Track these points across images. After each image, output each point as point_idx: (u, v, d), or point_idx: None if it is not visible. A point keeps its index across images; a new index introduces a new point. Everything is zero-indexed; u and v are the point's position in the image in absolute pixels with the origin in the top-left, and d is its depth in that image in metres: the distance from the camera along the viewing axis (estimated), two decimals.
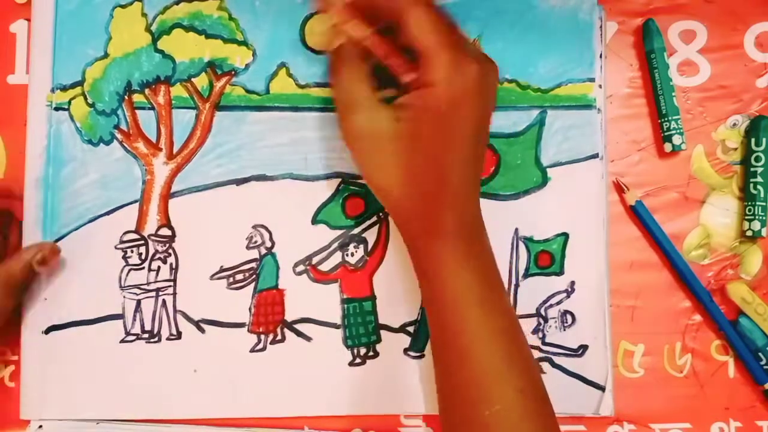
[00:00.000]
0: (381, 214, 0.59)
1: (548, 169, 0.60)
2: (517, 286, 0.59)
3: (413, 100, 0.49)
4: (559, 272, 0.59)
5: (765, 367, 0.59)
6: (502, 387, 0.48)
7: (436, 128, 0.49)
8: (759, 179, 0.60)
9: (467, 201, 0.51)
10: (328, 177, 0.59)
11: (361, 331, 0.58)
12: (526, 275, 0.59)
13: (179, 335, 0.58)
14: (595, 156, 0.60)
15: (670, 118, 0.60)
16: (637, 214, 0.60)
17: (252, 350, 0.58)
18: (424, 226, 0.51)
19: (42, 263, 0.56)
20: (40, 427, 0.58)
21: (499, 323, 0.50)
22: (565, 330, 0.59)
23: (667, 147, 0.60)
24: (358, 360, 0.58)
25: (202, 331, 0.58)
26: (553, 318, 0.59)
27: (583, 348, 0.59)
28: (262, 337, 0.58)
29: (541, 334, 0.59)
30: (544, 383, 0.51)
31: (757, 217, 0.59)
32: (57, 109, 0.59)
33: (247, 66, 0.59)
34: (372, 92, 0.52)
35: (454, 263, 0.50)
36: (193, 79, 0.59)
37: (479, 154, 0.51)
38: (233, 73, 0.59)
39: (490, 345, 0.49)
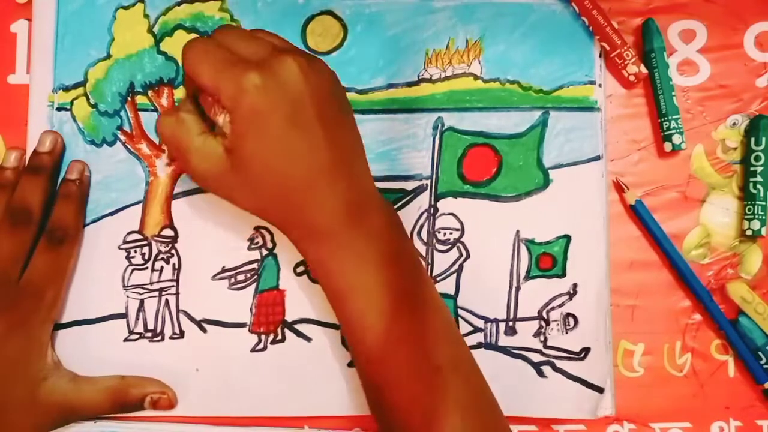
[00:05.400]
0: None
1: (550, 171, 0.60)
2: (518, 288, 0.59)
3: (225, 128, 0.50)
4: (561, 275, 0.59)
5: (765, 366, 0.59)
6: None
7: (251, 141, 0.49)
8: (759, 178, 0.60)
9: (330, 189, 0.50)
10: None
11: None
12: (528, 278, 0.59)
13: (182, 334, 0.59)
14: (596, 158, 0.60)
15: (669, 117, 0.60)
16: (637, 214, 0.60)
17: (252, 350, 0.58)
18: (299, 237, 0.52)
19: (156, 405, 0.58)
20: None
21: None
22: (567, 333, 0.59)
23: (667, 146, 0.60)
24: None
25: (204, 330, 0.58)
26: (555, 321, 0.59)
27: (586, 351, 0.58)
28: (263, 337, 0.58)
29: (542, 338, 0.58)
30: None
31: (756, 216, 0.59)
32: (59, 109, 0.59)
33: None
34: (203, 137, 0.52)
35: (347, 261, 0.51)
36: None
37: (316, 142, 0.50)
38: None
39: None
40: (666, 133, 0.60)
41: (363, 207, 0.51)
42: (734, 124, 0.61)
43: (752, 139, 0.60)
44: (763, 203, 0.59)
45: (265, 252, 0.59)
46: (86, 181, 0.59)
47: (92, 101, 0.60)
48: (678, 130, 0.60)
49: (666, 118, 0.60)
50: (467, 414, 0.50)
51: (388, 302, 0.50)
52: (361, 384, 0.53)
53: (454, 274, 0.59)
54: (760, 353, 0.59)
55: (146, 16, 0.60)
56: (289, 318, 0.59)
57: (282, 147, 0.49)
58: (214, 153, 0.50)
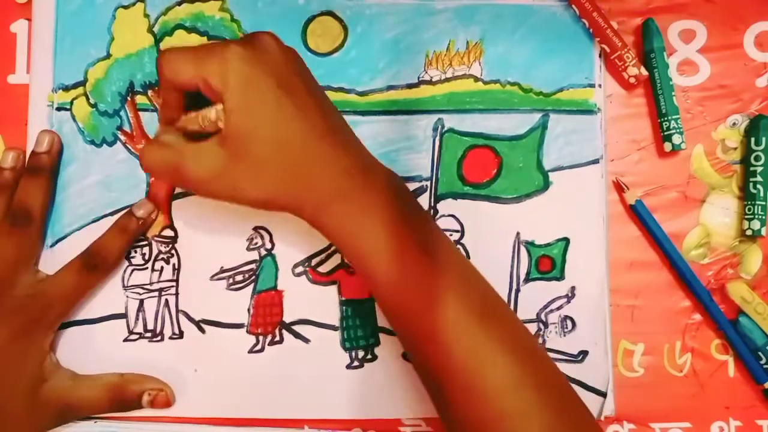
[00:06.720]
0: None
1: (550, 173, 0.60)
2: (518, 290, 0.59)
3: (220, 117, 0.50)
4: (560, 277, 0.59)
5: (765, 366, 0.59)
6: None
7: (247, 113, 0.49)
8: (759, 178, 0.60)
9: (332, 152, 0.50)
10: None
11: (360, 334, 0.58)
12: (527, 280, 0.59)
13: (181, 335, 0.59)
14: (596, 161, 0.60)
15: (669, 117, 0.60)
16: (637, 214, 0.60)
17: (250, 351, 0.58)
18: (312, 210, 0.51)
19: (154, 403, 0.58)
20: None
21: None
22: (565, 335, 0.59)
23: (667, 146, 0.60)
24: (356, 363, 0.58)
25: (203, 331, 0.59)
26: (554, 323, 0.59)
27: (583, 354, 0.59)
28: (260, 338, 0.58)
29: (541, 340, 0.58)
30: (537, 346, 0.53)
31: (756, 216, 0.59)
32: (59, 109, 0.59)
33: None
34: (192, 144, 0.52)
35: (356, 220, 0.50)
36: None
37: (308, 106, 0.50)
38: None
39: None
40: (666, 133, 0.60)
41: (366, 166, 0.52)
42: (734, 124, 0.61)
43: (752, 139, 0.60)
44: (763, 203, 0.59)
45: (263, 252, 0.59)
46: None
47: (92, 101, 0.59)
48: (678, 130, 0.60)
49: (666, 118, 0.60)
50: (510, 357, 0.49)
51: (399, 254, 0.49)
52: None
53: None
54: (760, 353, 0.59)
55: (146, 15, 0.60)
56: (287, 319, 0.59)
57: (277, 114, 0.49)
58: (209, 151, 0.50)
